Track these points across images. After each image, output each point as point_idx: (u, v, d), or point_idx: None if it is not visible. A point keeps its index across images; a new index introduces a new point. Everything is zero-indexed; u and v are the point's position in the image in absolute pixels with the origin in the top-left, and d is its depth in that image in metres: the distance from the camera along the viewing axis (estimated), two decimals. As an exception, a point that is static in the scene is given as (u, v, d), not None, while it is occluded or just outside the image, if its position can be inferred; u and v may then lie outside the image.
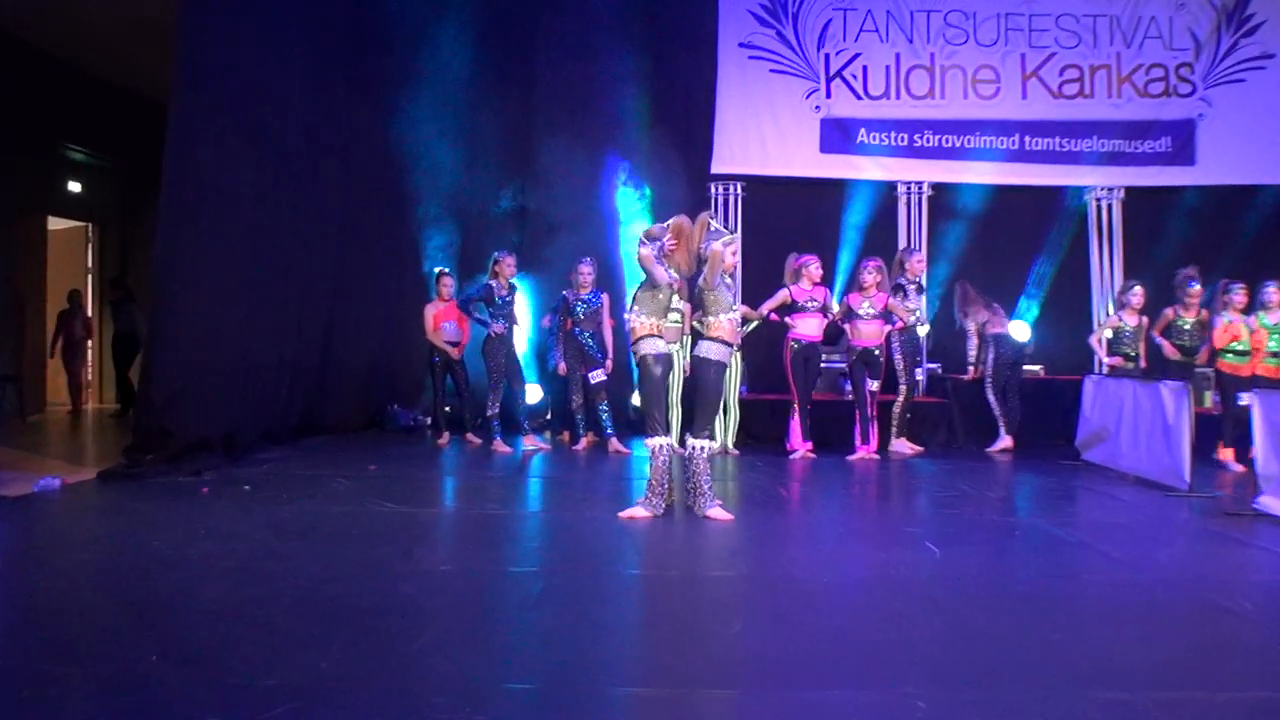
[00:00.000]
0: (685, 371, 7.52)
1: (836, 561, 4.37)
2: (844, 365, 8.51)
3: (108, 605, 3.46)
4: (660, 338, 5.25)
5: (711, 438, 5.27)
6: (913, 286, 8.28)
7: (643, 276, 5.26)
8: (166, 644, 2.98)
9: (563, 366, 8.05)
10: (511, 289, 7.99)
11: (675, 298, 7.49)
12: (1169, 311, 7.85)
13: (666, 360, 5.32)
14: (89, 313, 11.22)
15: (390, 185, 9.19)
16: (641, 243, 5.17)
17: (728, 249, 5.14)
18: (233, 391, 6.80)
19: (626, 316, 5.34)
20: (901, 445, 8.10)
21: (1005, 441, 8.21)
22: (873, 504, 6.20)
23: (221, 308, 6.65)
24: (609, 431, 7.88)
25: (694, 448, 5.14)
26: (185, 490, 5.65)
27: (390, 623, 3.21)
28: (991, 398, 8.26)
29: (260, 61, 7.11)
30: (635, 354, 5.31)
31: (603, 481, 6.48)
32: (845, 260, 9.54)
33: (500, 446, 7.80)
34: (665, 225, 5.14)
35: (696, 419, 5.26)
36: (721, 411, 7.63)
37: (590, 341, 7.92)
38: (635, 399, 8.00)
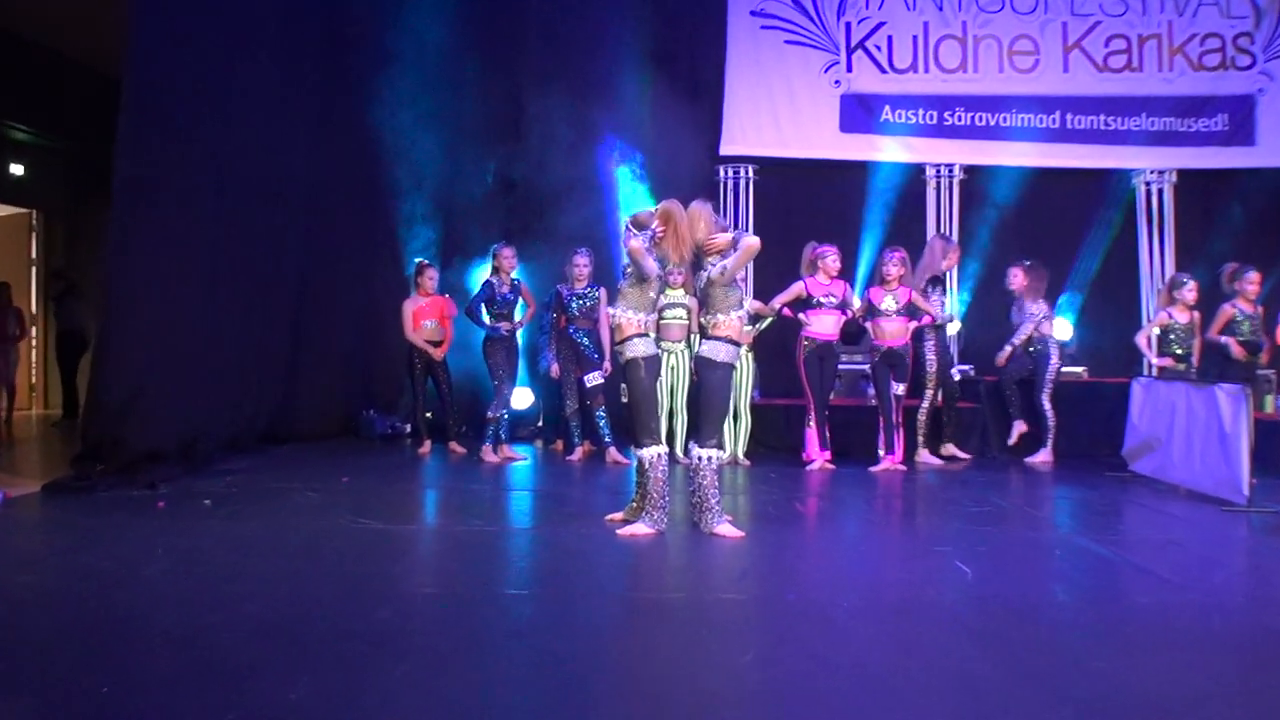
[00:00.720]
0: (693, 375, 7.52)
1: (857, 583, 4.38)
2: (866, 367, 8.50)
3: (53, 631, 3.46)
4: (647, 336, 5.24)
5: (720, 447, 5.26)
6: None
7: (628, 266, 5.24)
8: (119, 674, 2.99)
9: (555, 368, 8.05)
10: (514, 286, 8.00)
11: (681, 293, 7.54)
12: (1228, 308, 7.77)
13: (655, 362, 5.31)
14: (26, 307, 11.21)
15: (366, 172, 9.20)
16: (629, 232, 5.14)
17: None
18: (192, 396, 6.81)
19: (611, 311, 5.31)
20: (928, 455, 8.11)
21: (1049, 453, 8.26)
22: (897, 520, 6.21)
23: (180, 305, 6.66)
24: (607, 440, 7.88)
25: (701, 458, 5.14)
26: (139, 505, 5.65)
27: (365, 651, 3.22)
28: (1048, 406, 8.26)
29: (222, 40, 7.11)
30: (620, 356, 5.29)
31: (600, 495, 6.49)
32: (867, 251, 9.54)
33: (488, 455, 7.80)
34: (652, 212, 5.15)
35: (702, 426, 5.25)
36: (732, 418, 7.63)
37: (586, 341, 7.91)
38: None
